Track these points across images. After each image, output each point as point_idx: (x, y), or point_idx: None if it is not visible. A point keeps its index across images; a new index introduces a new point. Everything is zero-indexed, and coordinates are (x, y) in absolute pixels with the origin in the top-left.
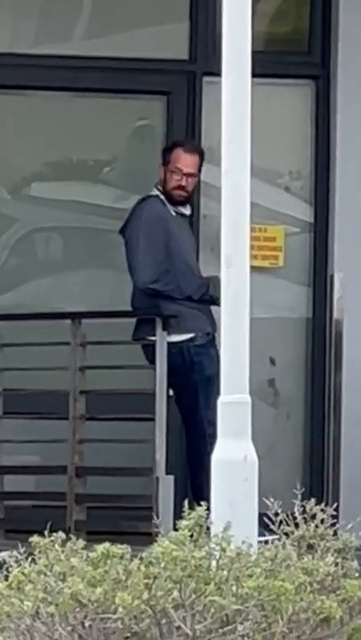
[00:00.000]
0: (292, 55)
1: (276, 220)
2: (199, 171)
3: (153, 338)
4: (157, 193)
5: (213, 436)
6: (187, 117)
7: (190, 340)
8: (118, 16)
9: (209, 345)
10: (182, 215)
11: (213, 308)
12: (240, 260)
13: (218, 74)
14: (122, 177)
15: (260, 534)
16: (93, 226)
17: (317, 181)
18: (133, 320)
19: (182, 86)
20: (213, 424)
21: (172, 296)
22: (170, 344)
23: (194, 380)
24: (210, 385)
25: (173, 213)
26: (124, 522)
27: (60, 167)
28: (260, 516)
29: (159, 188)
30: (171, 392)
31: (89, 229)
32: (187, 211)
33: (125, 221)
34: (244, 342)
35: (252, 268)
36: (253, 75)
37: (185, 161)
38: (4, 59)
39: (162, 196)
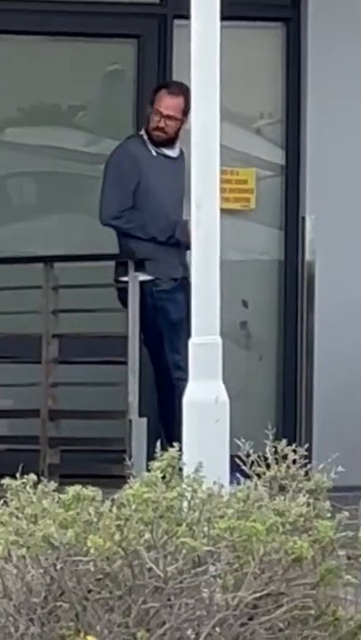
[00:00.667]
0: None
1: (247, 163)
2: (184, 113)
3: (123, 279)
4: (142, 132)
5: (181, 380)
6: (158, 61)
7: (153, 283)
8: None
9: (175, 289)
10: (166, 156)
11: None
12: (210, 200)
13: (189, 17)
14: (93, 121)
15: (237, 482)
16: (66, 170)
17: (289, 124)
18: (105, 263)
19: (153, 30)
20: (181, 368)
21: (135, 235)
22: None
23: (158, 325)
24: (175, 330)
25: (154, 154)
26: (98, 465)
27: (31, 112)
28: (232, 457)
29: (146, 127)
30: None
31: (61, 174)
32: (172, 152)
33: None
34: (214, 283)
35: (224, 210)
36: (223, 17)
37: (166, 103)
38: None
39: (145, 136)
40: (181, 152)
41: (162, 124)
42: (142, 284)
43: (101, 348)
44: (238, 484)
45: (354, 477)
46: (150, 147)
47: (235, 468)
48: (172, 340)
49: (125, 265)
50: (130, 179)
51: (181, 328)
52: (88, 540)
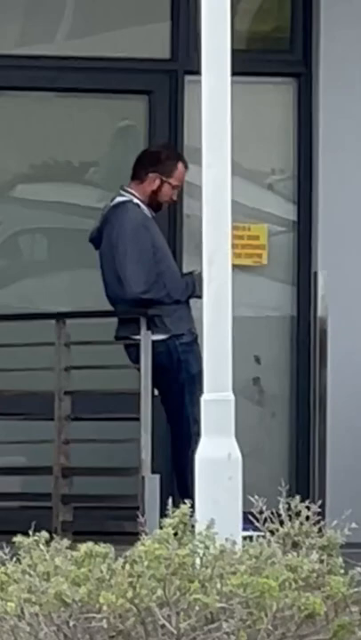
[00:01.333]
0: (274, 53)
1: (259, 219)
2: None
3: (137, 337)
4: (130, 197)
5: (199, 435)
6: (169, 117)
7: (177, 337)
8: (100, 16)
9: (194, 342)
10: (154, 217)
11: (194, 306)
12: (222, 256)
13: (199, 72)
14: (105, 177)
15: (245, 529)
16: (77, 226)
17: (300, 180)
18: (117, 320)
19: (164, 85)
20: (199, 422)
21: (162, 301)
22: (156, 342)
23: (181, 379)
24: (195, 383)
25: (150, 216)
26: (111, 522)
27: (42, 168)
28: (245, 514)
29: (131, 191)
30: (156, 392)
31: (73, 230)
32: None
33: (99, 228)
34: (226, 340)
35: (236, 266)
36: (235, 73)
37: (184, 177)
38: None
39: (136, 200)
40: None
41: (175, 197)
42: (166, 338)
43: (113, 404)
44: (250, 539)
45: None
46: (146, 211)
47: (247, 521)
48: (192, 392)
49: (132, 321)
50: (149, 249)
51: (200, 381)
52: (101, 597)
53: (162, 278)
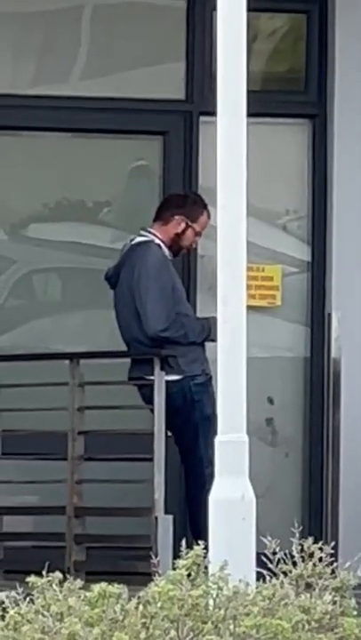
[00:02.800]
0: (289, 94)
1: (273, 260)
2: None
3: (151, 378)
4: (152, 237)
5: (213, 475)
6: (184, 157)
7: (191, 378)
8: (115, 57)
9: (208, 383)
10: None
11: (209, 347)
12: (236, 297)
13: (214, 113)
14: (119, 217)
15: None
16: (91, 266)
17: (315, 220)
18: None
19: (179, 126)
20: (213, 463)
21: (178, 342)
22: (170, 383)
23: (194, 419)
24: (210, 423)
25: (170, 258)
26: (124, 562)
27: (57, 208)
28: (259, 555)
29: (153, 232)
30: (169, 432)
31: (87, 270)
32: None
33: (116, 266)
34: (240, 381)
35: (250, 307)
36: (250, 114)
37: (206, 227)
38: (2, 100)
39: (157, 241)
40: None
41: (195, 245)
42: (180, 379)
43: (127, 444)
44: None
45: None
46: (167, 252)
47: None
48: (206, 433)
49: (146, 362)
50: (169, 288)
51: (214, 422)
52: (114, 638)
53: (181, 319)
